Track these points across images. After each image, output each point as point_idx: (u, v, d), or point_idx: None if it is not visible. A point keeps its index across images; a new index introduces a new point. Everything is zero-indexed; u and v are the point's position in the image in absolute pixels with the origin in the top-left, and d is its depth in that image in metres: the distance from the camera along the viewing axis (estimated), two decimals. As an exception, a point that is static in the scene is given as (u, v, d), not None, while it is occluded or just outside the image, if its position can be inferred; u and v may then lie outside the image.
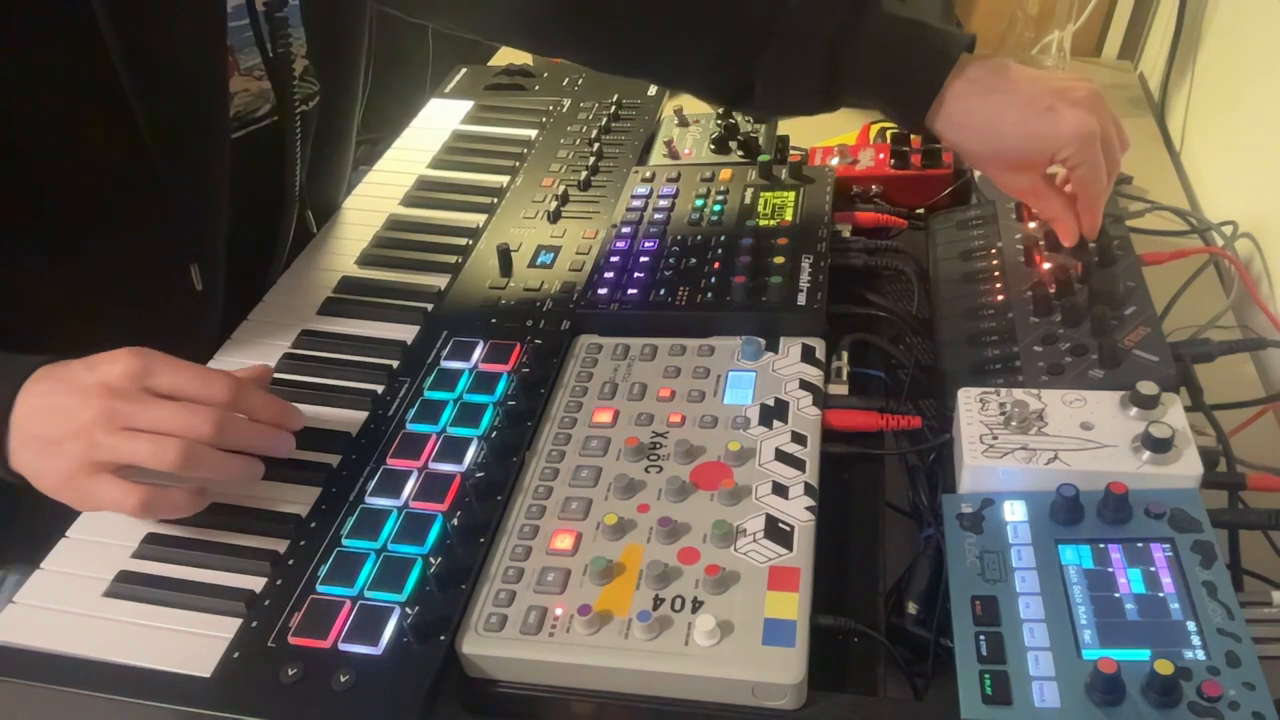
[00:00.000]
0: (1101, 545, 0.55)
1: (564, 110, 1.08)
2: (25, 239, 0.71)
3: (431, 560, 0.58)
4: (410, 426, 0.67)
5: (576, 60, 0.95)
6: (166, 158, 0.72)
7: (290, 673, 0.53)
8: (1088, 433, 0.59)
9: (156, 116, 0.70)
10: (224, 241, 0.79)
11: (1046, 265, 0.76)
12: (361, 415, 0.70)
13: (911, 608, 0.59)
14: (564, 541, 0.59)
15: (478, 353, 0.73)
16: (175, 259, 0.74)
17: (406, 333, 0.77)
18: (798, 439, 0.64)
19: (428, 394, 0.70)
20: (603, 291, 0.77)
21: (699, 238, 0.82)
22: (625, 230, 0.84)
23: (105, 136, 0.70)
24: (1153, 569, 0.53)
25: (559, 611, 0.55)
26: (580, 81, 1.14)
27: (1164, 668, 0.47)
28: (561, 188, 0.92)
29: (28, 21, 0.63)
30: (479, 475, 0.63)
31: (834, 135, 1.09)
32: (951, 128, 0.73)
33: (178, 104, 0.72)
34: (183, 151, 0.73)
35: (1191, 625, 0.50)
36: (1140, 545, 0.54)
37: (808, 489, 0.60)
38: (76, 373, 0.61)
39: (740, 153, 0.96)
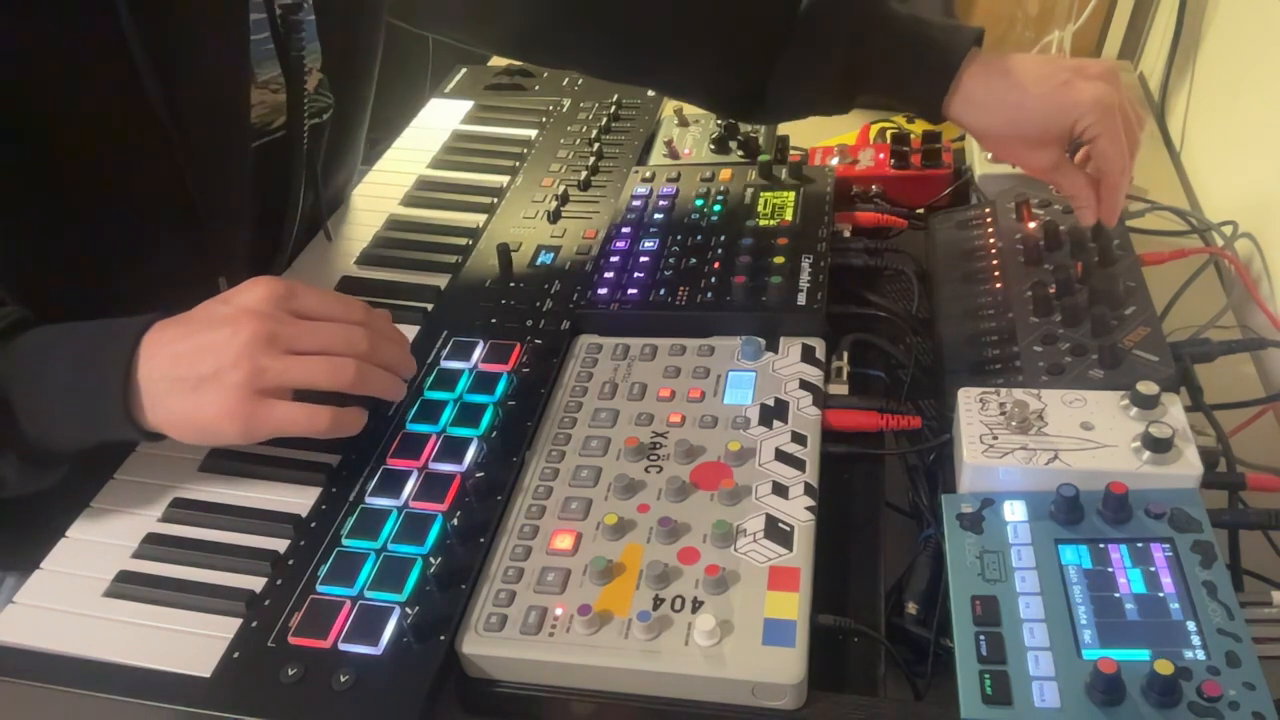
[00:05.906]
0: (1101, 545, 0.55)
1: (564, 110, 1.08)
2: (59, 264, 0.71)
3: (431, 560, 0.58)
4: (410, 426, 0.67)
5: (586, 72, 0.95)
6: (196, 171, 0.72)
7: (290, 673, 0.53)
8: (1088, 433, 0.59)
9: (185, 128, 0.70)
10: (248, 252, 0.80)
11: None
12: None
13: (911, 608, 0.59)
14: (564, 541, 0.59)
15: (478, 353, 0.73)
16: (205, 272, 0.74)
17: (406, 332, 0.77)
18: (798, 439, 0.64)
19: (427, 394, 0.70)
20: (603, 291, 0.77)
21: (699, 238, 0.82)
22: (625, 230, 0.84)
23: (140, 154, 0.69)
24: (1153, 569, 0.53)
25: (559, 611, 0.55)
26: (580, 81, 1.14)
27: (1164, 668, 0.47)
28: (561, 188, 0.92)
29: (57, 40, 0.63)
30: (479, 475, 0.63)
31: (834, 135, 1.09)
32: (971, 108, 0.74)
33: (204, 116, 0.71)
34: (211, 164, 0.73)
35: (1191, 625, 0.50)
36: (1140, 545, 0.54)
37: (808, 489, 0.60)
38: (210, 309, 0.60)
39: (740, 153, 0.96)
